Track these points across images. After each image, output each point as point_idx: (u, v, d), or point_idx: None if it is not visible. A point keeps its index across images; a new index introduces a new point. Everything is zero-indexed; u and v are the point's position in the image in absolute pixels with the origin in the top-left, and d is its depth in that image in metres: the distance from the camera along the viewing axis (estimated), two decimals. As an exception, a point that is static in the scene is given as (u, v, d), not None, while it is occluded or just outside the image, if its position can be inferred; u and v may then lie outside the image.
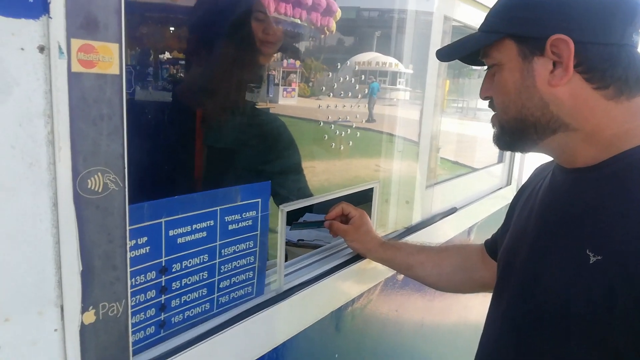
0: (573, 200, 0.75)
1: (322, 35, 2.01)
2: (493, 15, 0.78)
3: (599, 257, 0.66)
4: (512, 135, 0.79)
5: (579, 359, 0.69)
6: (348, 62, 1.81)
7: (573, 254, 0.70)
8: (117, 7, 0.56)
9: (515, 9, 0.74)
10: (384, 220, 1.52)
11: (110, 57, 0.57)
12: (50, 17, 0.51)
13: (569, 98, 0.72)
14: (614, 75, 0.70)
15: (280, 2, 1.66)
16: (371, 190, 1.28)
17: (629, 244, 0.64)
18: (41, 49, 0.51)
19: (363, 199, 1.32)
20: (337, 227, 1.18)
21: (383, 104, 1.69)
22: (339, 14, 1.85)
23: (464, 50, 0.82)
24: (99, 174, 0.58)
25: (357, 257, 1.23)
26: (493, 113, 0.82)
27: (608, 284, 0.64)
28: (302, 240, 1.53)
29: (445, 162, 2.56)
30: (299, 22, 1.77)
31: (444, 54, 0.85)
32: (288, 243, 1.48)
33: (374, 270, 1.27)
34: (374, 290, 1.32)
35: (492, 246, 1.06)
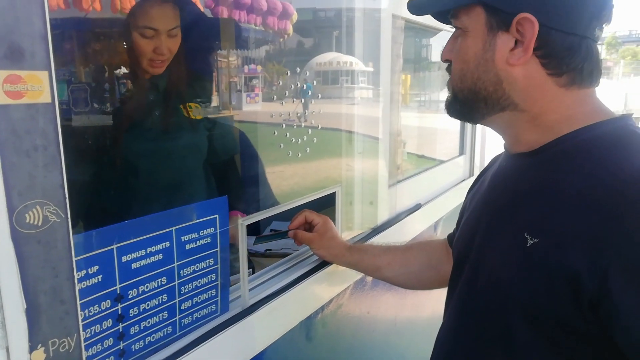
0: (515, 185, 0.77)
1: (281, 39, 2.01)
2: None
3: (536, 240, 0.68)
4: (462, 104, 0.79)
5: (526, 346, 0.71)
6: (309, 64, 1.80)
7: (513, 238, 0.72)
8: (43, 33, 0.54)
9: None
10: (350, 223, 1.53)
11: (40, 86, 0.55)
12: (-31, 50, 0.48)
13: (523, 79, 0.72)
14: (570, 64, 0.71)
15: (234, 10, 1.65)
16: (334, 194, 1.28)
17: (563, 227, 0.66)
18: (-39, 83, 0.49)
19: (328, 202, 1.32)
20: (302, 235, 1.17)
21: (346, 103, 1.68)
22: (295, 16, 1.85)
23: (435, 6, 0.80)
24: (38, 207, 0.56)
25: (324, 264, 1.22)
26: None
27: (545, 267, 0.66)
28: (270, 250, 1.52)
29: (411, 157, 2.58)
30: (255, 27, 1.76)
31: (416, 6, 0.82)
32: (255, 254, 1.48)
33: (342, 275, 1.28)
34: (343, 295, 1.32)
35: (453, 239, 1.08)
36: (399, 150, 2.63)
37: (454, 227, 1.10)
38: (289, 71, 1.62)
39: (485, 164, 1.00)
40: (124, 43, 1.23)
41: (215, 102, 2.07)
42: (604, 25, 0.71)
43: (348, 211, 1.53)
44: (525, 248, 0.69)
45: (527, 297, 0.70)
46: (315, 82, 1.61)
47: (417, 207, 1.82)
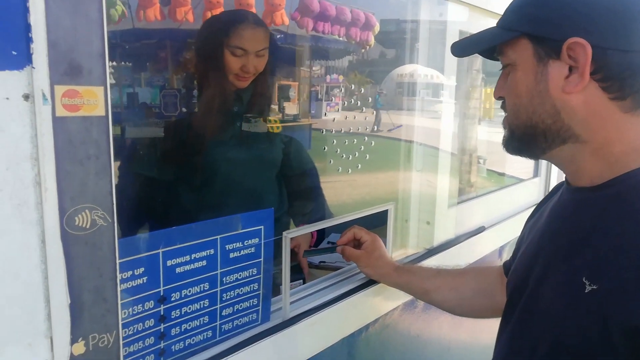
0: (575, 223, 0.72)
1: (363, 50, 2.03)
2: (511, 11, 0.74)
3: (594, 287, 0.63)
4: (520, 140, 0.75)
5: None
6: (389, 75, 1.80)
7: (570, 281, 0.67)
8: (101, 51, 0.59)
9: (532, 6, 0.70)
10: (405, 242, 1.50)
11: (95, 100, 0.59)
12: (34, 67, 0.54)
13: (583, 107, 0.67)
14: (634, 85, 0.65)
15: (318, 21, 1.69)
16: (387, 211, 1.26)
17: (625, 274, 0.60)
18: (26, 97, 0.54)
19: (381, 220, 1.31)
20: (350, 252, 1.17)
21: (427, 117, 1.65)
22: (377, 27, 1.86)
23: (479, 46, 0.78)
24: (87, 211, 0.61)
25: (371, 282, 1.21)
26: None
27: (602, 316, 0.61)
28: (324, 262, 1.53)
29: (492, 175, 2.48)
30: (338, 38, 1.79)
31: (459, 49, 0.81)
32: (310, 265, 1.49)
33: (391, 295, 1.25)
34: (391, 315, 1.30)
35: (509, 268, 1.03)
36: (474, 168, 2.54)
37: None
38: (370, 80, 1.63)
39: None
40: (214, 56, 1.30)
41: (294, 110, 2.14)
42: None
43: (403, 229, 1.51)
44: (583, 294, 0.64)
45: (581, 345, 0.64)
46: (395, 92, 1.59)
47: (481, 229, 1.74)
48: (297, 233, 0.99)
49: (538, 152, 0.75)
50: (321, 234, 1.30)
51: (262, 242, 0.93)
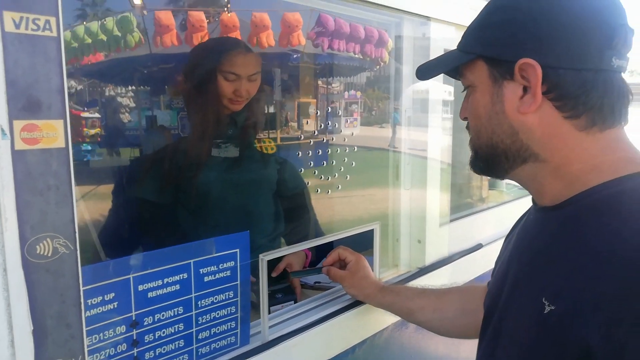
0: (538, 243, 0.72)
1: (377, 66, 2.06)
2: (468, 34, 0.75)
3: (552, 307, 0.62)
4: (485, 161, 0.76)
5: None
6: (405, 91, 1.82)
7: (532, 302, 0.66)
8: (60, 87, 0.62)
9: (487, 28, 0.71)
10: (396, 261, 1.49)
11: (54, 133, 0.62)
12: (-9, 104, 0.57)
13: (539, 126, 0.68)
14: (588, 103, 0.65)
15: (334, 40, 1.73)
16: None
17: (581, 294, 0.59)
18: (-16, 132, 0.57)
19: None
20: (334, 273, 1.17)
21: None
22: (390, 44, 1.88)
23: (440, 69, 0.80)
24: (48, 239, 0.63)
25: (357, 303, 1.21)
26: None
27: (559, 338, 0.61)
28: (319, 282, 1.53)
29: (511, 189, 2.45)
30: (354, 55, 1.83)
31: (423, 72, 0.82)
32: (304, 286, 1.50)
33: (379, 316, 1.24)
34: (380, 336, 1.29)
35: None
36: (485, 182, 2.51)
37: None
38: (387, 96, 1.65)
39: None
40: (207, 81, 1.35)
41: (312, 126, 2.18)
42: (623, 52, 0.65)
43: (395, 248, 1.50)
44: (542, 314, 0.64)
45: None
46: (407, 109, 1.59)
47: (478, 247, 1.73)
48: (273, 255, 1.00)
49: (501, 172, 0.75)
50: (320, 254, 1.31)
51: (239, 265, 0.94)
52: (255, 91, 1.38)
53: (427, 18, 1.38)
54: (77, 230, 0.65)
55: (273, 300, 1.33)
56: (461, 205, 1.96)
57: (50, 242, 0.63)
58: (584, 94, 0.65)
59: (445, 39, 1.43)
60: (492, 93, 0.70)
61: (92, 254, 1.32)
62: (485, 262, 1.75)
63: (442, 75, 1.45)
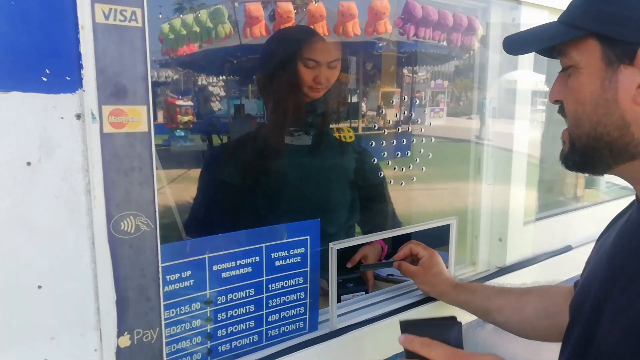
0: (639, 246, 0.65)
1: (467, 55, 2.00)
2: (576, 6, 0.66)
3: None
4: (582, 154, 0.68)
5: None
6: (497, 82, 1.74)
7: (627, 309, 0.61)
8: (144, 74, 0.66)
9: (604, 1, 0.62)
10: (474, 258, 1.43)
11: (139, 118, 0.66)
12: (84, 90, 0.62)
13: None
14: None
15: (420, 27, 1.70)
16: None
17: None
18: (77, 116, 0.62)
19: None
20: (406, 268, 1.15)
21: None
22: (481, 31, 1.82)
23: (537, 44, 0.71)
24: (131, 217, 0.68)
25: (429, 299, 1.17)
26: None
27: None
28: (392, 275, 1.52)
29: (612, 188, 2.28)
30: (438, 43, 1.79)
31: (513, 47, 0.74)
32: (377, 277, 1.49)
33: (454, 312, 1.20)
34: (453, 334, 1.24)
35: None
36: (580, 180, 2.34)
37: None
38: (474, 86, 1.58)
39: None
40: (287, 69, 1.38)
41: (395, 116, 2.17)
42: None
43: (473, 245, 1.44)
44: (638, 324, 0.59)
45: None
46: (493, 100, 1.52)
47: (567, 249, 1.61)
48: (343, 245, 0.99)
49: (602, 167, 0.68)
50: (397, 247, 1.29)
51: (309, 251, 0.95)
52: (335, 79, 1.38)
53: (518, 2, 1.29)
54: (157, 209, 0.70)
55: (345, 289, 1.33)
56: (551, 204, 1.83)
57: (133, 220, 0.68)
58: None
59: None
60: (604, 78, 0.63)
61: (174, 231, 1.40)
62: (573, 265, 1.62)
63: (532, 61, 1.36)
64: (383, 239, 1.42)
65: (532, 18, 1.32)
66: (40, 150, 0.60)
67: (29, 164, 0.60)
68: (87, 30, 0.60)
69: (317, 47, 1.34)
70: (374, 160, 1.56)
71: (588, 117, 0.65)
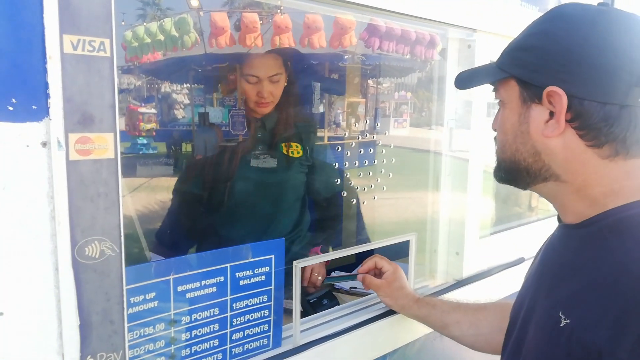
0: (559, 259, 0.76)
1: (427, 67, 2.05)
2: (507, 52, 0.78)
3: (568, 321, 0.66)
4: (506, 173, 0.80)
5: None
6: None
7: (549, 316, 0.70)
8: (112, 103, 0.67)
9: (522, 50, 0.74)
10: (433, 271, 1.48)
11: (105, 145, 0.67)
12: (50, 119, 0.62)
13: (562, 150, 0.71)
14: (610, 135, 0.67)
15: (384, 41, 1.74)
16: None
17: (594, 309, 0.63)
18: (43, 144, 0.63)
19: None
20: (369, 281, 1.18)
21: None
22: (440, 46, 1.87)
23: (476, 82, 0.83)
24: (96, 242, 0.68)
25: (390, 312, 1.21)
26: None
27: (568, 351, 0.64)
28: (355, 288, 1.55)
29: None
30: (402, 56, 1.84)
31: (460, 83, 0.85)
32: (340, 291, 1.52)
33: (411, 326, 1.25)
34: (412, 347, 1.29)
35: None
36: (534, 193, 2.44)
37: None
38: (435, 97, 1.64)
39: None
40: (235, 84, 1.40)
41: (361, 126, 2.21)
42: None
43: (432, 259, 1.49)
44: (558, 328, 0.67)
45: None
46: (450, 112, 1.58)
47: (519, 261, 1.69)
48: (308, 262, 1.02)
49: (523, 185, 0.80)
50: (360, 261, 1.33)
51: (273, 270, 0.97)
52: (280, 92, 1.40)
53: (473, 30, 1.36)
54: (122, 234, 0.70)
55: (320, 307, 1.35)
56: (505, 217, 1.91)
57: (98, 245, 0.68)
58: (606, 126, 0.67)
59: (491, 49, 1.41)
60: (520, 113, 0.74)
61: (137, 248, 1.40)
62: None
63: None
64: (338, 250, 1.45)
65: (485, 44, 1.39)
66: (5, 177, 0.60)
67: (-8, 191, 0.60)
68: (55, 60, 0.61)
69: (255, 62, 1.35)
70: (331, 173, 1.59)
71: (509, 145, 0.77)
